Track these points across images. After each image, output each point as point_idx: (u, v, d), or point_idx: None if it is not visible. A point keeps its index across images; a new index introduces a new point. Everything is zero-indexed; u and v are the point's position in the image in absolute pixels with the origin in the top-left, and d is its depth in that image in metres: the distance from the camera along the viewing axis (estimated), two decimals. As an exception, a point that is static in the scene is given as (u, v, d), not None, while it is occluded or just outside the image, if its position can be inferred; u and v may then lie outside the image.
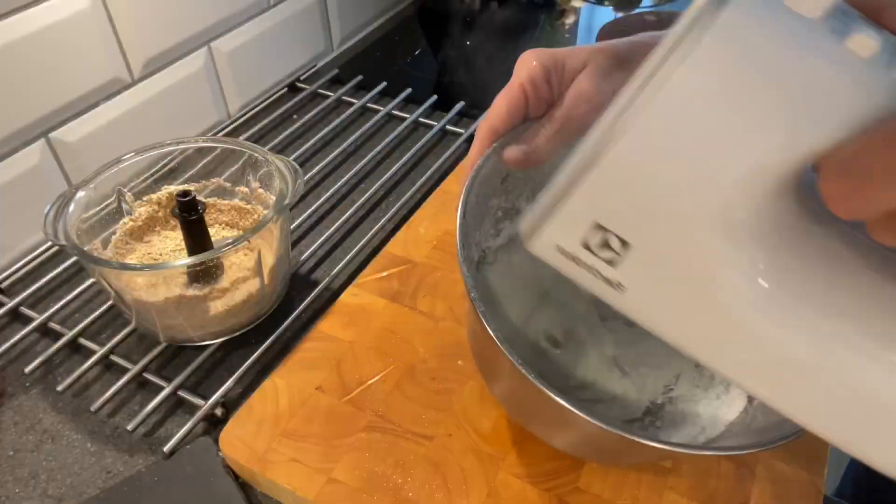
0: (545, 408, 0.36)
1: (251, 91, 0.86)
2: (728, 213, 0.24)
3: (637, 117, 0.23)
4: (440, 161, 0.76)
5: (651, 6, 1.10)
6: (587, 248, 0.27)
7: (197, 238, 0.54)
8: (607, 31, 0.98)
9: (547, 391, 0.33)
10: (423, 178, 0.74)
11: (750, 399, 0.45)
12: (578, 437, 0.41)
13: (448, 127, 0.82)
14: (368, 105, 0.86)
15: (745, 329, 0.26)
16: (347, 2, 0.97)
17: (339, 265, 0.63)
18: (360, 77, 0.90)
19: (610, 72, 0.39)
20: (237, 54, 0.81)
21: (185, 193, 0.51)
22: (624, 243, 0.26)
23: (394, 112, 0.85)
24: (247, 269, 0.54)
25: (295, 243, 0.68)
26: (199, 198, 0.55)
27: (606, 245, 0.26)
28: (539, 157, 0.40)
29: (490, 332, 0.34)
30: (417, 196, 0.73)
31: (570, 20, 1.08)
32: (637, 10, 1.08)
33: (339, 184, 0.72)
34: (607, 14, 1.08)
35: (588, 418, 0.32)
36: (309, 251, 0.65)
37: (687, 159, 0.24)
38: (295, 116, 0.85)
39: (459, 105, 0.84)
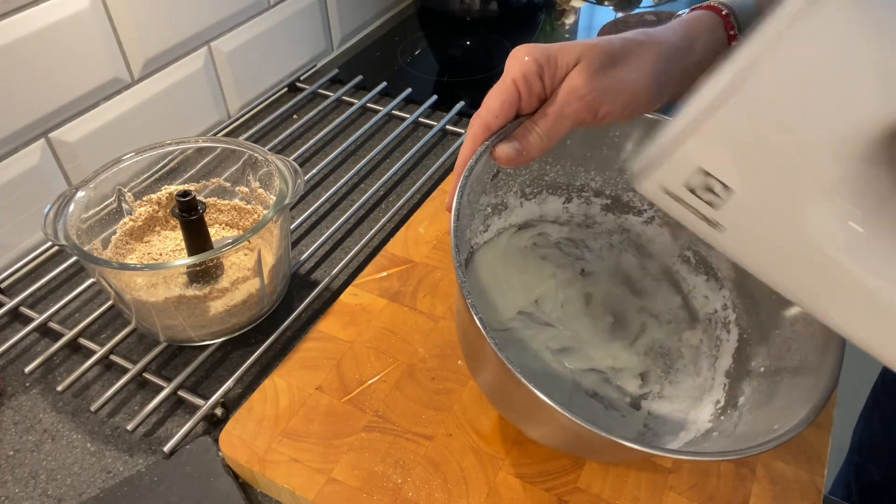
0: (533, 407, 0.36)
1: (251, 91, 0.86)
2: (831, 168, 0.26)
3: (755, 74, 0.25)
4: (440, 161, 0.76)
5: (651, 6, 1.10)
6: (690, 189, 0.29)
7: (197, 238, 0.54)
8: (607, 32, 0.98)
9: (537, 393, 0.33)
10: (423, 178, 0.74)
11: (729, 399, 0.45)
12: (560, 434, 0.41)
13: (448, 127, 0.82)
14: (368, 105, 0.86)
15: (835, 269, 0.29)
16: (347, 2, 0.97)
17: (339, 265, 0.63)
18: (360, 77, 0.90)
19: (603, 68, 0.39)
20: (237, 54, 0.82)
21: (185, 193, 0.51)
22: (726, 188, 0.28)
23: (394, 112, 0.85)
24: (247, 269, 0.54)
25: (295, 243, 0.68)
26: (199, 198, 0.55)
27: (709, 189, 0.29)
28: (531, 154, 0.40)
29: (486, 336, 0.34)
30: (417, 196, 0.73)
31: (570, 20, 1.08)
32: (637, 10, 1.08)
33: (339, 184, 0.72)
34: (607, 14, 1.08)
35: (568, 414, 0.33)
36: (309, 251, 0.65)
37: (799, 116, 0.25)
38: (295, 116, 0.85)
39: (459, 105, 0.84)
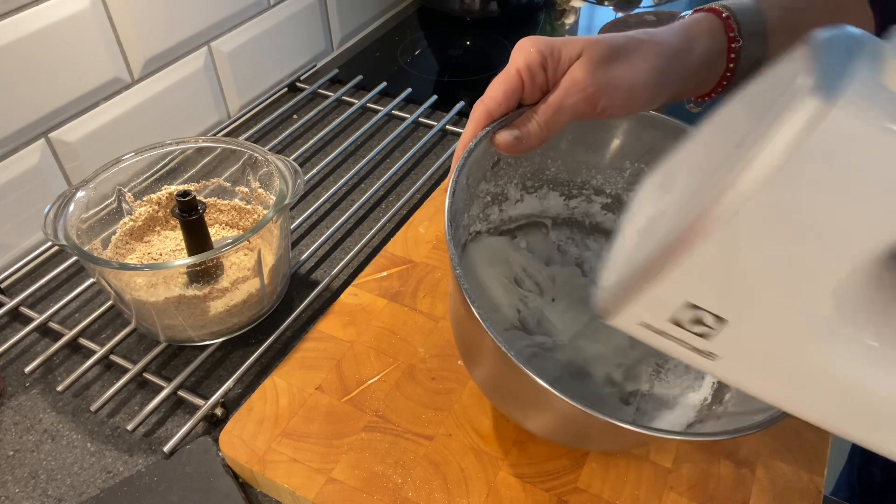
0: (520, 385, 0.36)
1: (251, 91, 0.86)
2: (834, 290, 0.24)
3: (738, 204, 0.22)
4: (440, 161, 0.76)
5: (651, 6, 1.10)
6: (677, 324, 0.26)
7: (197, 238, 0.54)
8: (607, 31, 0.98)
9: (528, 371, 0.33)
10: (423, 178, 0.74)
11: (716, 393, 0.45)
12: (554, 419, 0.41)
13: (448, 127, 0.82)
14: (368, 105, 0.86)
15: (845, 384, 0.26)
16: (347, 2, 0.97)
17: (339, 265, 0.63)
18: (360, 77, 0.90)
19: (605, 62, 0.40)
20: (237, 54, 0.82)
21: (185, 193, 0.51)
22: (719, 319, 0.25)
23: (394, 112, 0.85)
24: (247, 269, 0.54)
25: (295, 243, 0.68)
26: (199, 198, 0.55)
27: (699, 321, 0.26)
28: (530, 143, 0.41)
29: (473, 308, 0.34)
30: (417, 196, 0.73)
31: (570, 20, 1.08)
32: (637, 10, 1.08)
33: (339, 184, 0.72)
34: (607, 14, 1.08)
35: (563, 397, 0.33)
36: (309, 251, 0.65)
37: (794, 245, 0.23)
38: (295, 116, 0.85)
39: (459, 105, 0.84)
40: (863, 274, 0.24)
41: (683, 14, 0.47)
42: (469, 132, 0.41)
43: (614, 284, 0.27)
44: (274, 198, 0.56)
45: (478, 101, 0.41)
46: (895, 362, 0.26)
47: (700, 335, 0.26)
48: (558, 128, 0.41)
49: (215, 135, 0.79)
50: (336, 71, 0.92)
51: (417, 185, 0.73)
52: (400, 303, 0.57)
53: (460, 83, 0.92)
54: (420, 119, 0.83)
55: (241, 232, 0.62)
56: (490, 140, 0.41)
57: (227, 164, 0.61)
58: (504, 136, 0.41)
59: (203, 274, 0.53)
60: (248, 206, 0.62)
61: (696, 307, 0.25)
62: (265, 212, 0.59)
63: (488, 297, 0.52)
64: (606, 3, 1.10)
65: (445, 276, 0.59)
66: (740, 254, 0.23)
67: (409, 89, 0.87)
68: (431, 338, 0.54)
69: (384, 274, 0.60)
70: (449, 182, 0.39)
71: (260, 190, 0.60)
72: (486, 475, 0.46)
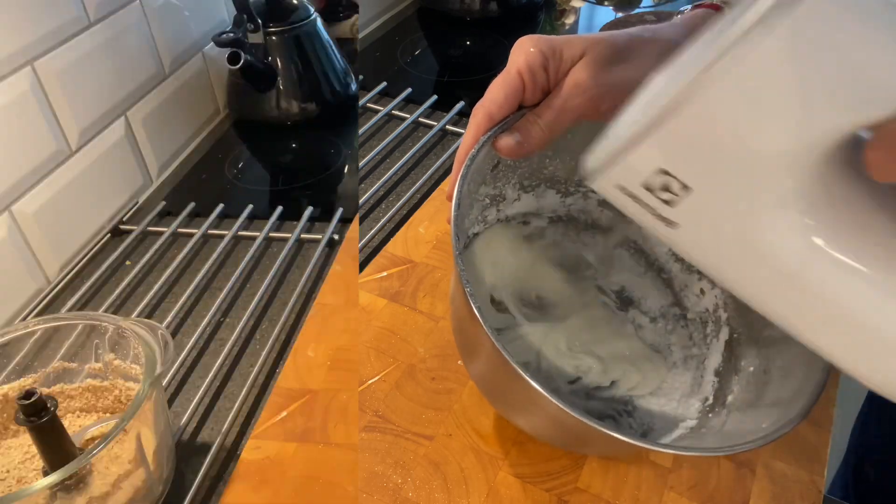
0: (519, 390, 0.36)
1: (68, 248, 0.68)
2: (789, 173, 0.26)
3: (718, 79, 0.25)
4: (440, 161, 0.76)
5: (651, 6, 1.10)
6: (648, 189, 0.29)
7: (53, 443, 0.42)
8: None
9: (526, 377, 0.33)
10: (423, 179, 0.74)
11: (717, 397, 0.45)
12: (553, 425, 0.41)
13: (448, 127, 0.82)
14: (368, 105, 0.86)
15: (786, 270, 0.29)
16: (159, 131, 0.78)
17: (229, 418, 0.52)
18: (360, 77, 0.90)
19: (608, 63, 0.39)
20: (43, 214, 0.64)
21: (29, 394, 0.40)
22: (685, 187, 0.28)
23: (394, 112, 0.85)
24: (126, 462, 0.43)
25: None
26: (43, 391, 0.42)
27: (667, 188, 0.28)
28: (532, 147, 0.40)
29: (483, 325, 0.34)
30: (417, 196, 0.73)
31: (569, 20, 1.08)
32: (637, 10, 1.08)
33: (338, 184, 0.72)
34: (607, 14, 1.08)
35: (559, 403, 0.33)
36: (191, 407, 0.53)
37: (760, 122, 0.26)
38: (128, 262, 0.69)
39: (459, 105, 0.84)
40: (817, 158, 0.26)
41: (683, 9, 0.46)
42: (470, 136, 0.41)
43: (601, 151, 0.30)
44: (135, 366, 0.47)
45: (478, 105, 0.41)
46: (823, 252, 0.28)
47: (666, 202, 0.29)
48: (561, 130, 0.40)
49: (37, 307, 0.63)
50: (163, 203, 0.75)
51: (417, 185, 0.73)
52: (400, 303, 0.57)
53: (460, 83, 0.92)
54: (420, 119, 0.83)
55: (102, 414, 0.50)
56: (491, 144, 0.41)
57: (60, 339, 0.49)
58: (506, 141, 0.40)
59: (73, 484, 0.41)
60: (104, 383, 0.50)
61: (667, 173, 0.28)
62: (127, 384, 0.49)
63: (489, 298, 0.52)
64: (606, 3, 1.10)
65: (445, 276, 0.59)
66: (711, 127, 0.26)
67: (409, 89, 0.87)
68: (431, 338, 0.54)
69: (384, 274, 0.60)
70: (454, 192, 0.39)
71: (116, 361, 0.49)
72: (486, 475, 0.46)
